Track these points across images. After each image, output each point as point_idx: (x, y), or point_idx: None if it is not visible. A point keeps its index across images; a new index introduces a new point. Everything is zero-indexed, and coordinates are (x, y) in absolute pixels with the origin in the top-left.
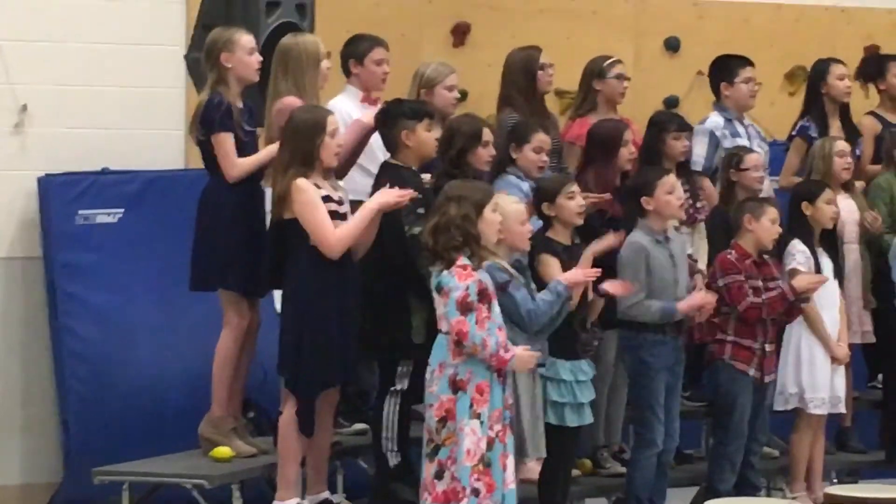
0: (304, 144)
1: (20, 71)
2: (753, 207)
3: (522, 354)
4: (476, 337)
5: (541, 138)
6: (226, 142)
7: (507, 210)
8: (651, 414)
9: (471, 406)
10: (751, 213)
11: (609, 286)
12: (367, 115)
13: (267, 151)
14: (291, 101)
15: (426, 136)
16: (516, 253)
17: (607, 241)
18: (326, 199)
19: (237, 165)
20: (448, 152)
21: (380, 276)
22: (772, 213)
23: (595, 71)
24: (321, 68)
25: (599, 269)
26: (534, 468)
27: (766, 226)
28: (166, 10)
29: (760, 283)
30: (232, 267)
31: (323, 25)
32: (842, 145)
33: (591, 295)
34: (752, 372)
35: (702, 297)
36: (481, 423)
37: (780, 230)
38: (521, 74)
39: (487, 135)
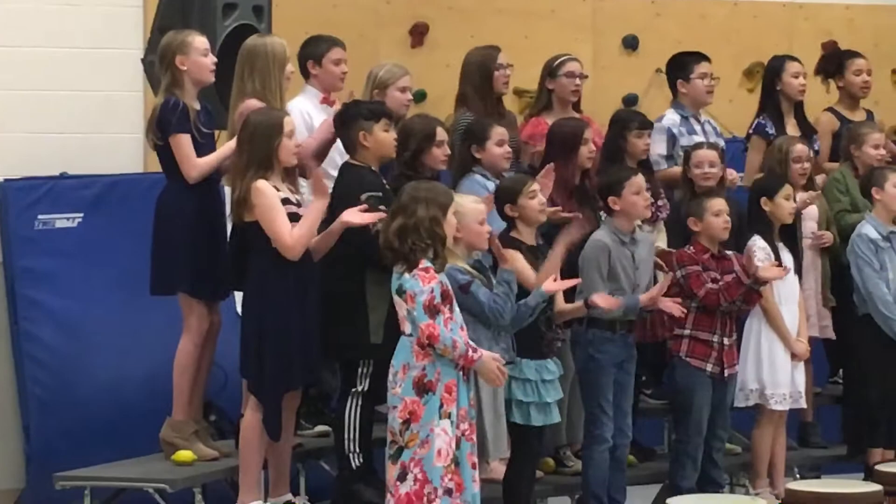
0: (261, 147)
1: None
2: (695, 207)
3: (487, 360)
4: (447, 339)
5: (500, 131)
6: (183, 142)
7: (466, 209)
8: (599, 410)
9: (441, 406)
10: (693, 214)
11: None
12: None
13: (225, 148)
14: (253, 104)
15: (384, 137)
16: (476, 253)
17: (573, 231)
18: (285, 201)
19: (196, 166)
20: (403, 154)
21: (338, 276)
22: (714, 205)
23: (548, 70)
24: (286, 71)
25: (579, 280)
26: (497, 468)
27: (711, 221)
28: (123, 13)
29: (719, 276)
30: (191, 271)
31: (280, 27)
32: (799, 149)
33: (557, 298)
34: (709, 368)
35: (661, 288)
36: (451, 422)
37: (727, 220)
38: (478, 74)
39: (441, 134)
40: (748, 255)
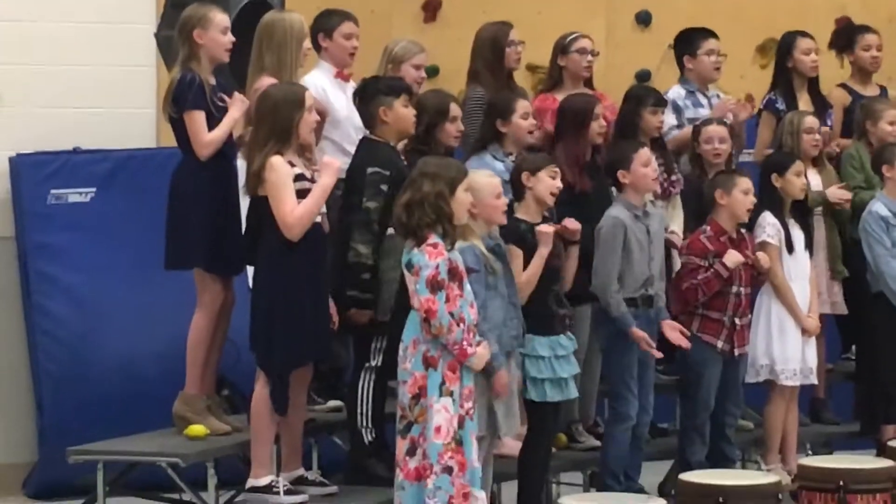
0: (282, 121)
1: None
2: (723, 181)
3: (484, 353)
4: (444, 318)
5: (524, 104)
6: (197, 119)
7: (481, 183)
8: (624, 388)
9: (442, 383)
10: (721, 187)
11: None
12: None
13: (229, 119)
14: (269, 81)
15: (404, 112)
16: (493, 230)
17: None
18: (300, 177)
19: (207, 143)
20: (416, 128)
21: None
22: (743, 183)
23: (559, 46)
24: (303, 47)
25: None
26: (513, 445)
27: (738, 198)
28: None
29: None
30: (205, 246)
31: (294, 2)
32: (810, 121)
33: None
34: (720, 345)
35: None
36: (453, 400)
37: (753, 200)
38: (489, 50)
39: (455, 110)
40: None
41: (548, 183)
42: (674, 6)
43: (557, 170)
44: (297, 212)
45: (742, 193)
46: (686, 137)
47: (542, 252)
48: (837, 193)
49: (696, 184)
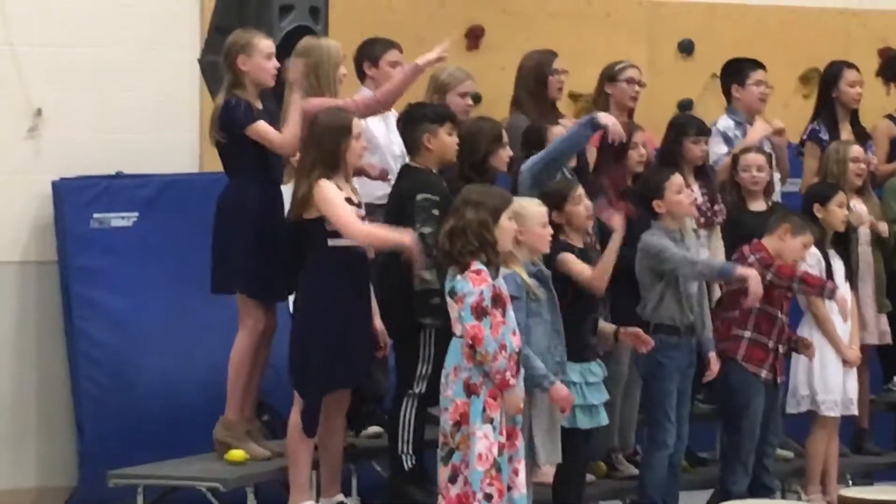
0: (330, 147)
1: (34, 75)
2: (796, 225)
3: (515, 396)
4: (490, 345)
5: (558, 131)
6: (262, 129)
7: (530, 212)
8: (663, 415)
9: (484, 410)
10: (789, 229)
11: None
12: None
13: (295, 107)
14: (315, 102)
15: (448, 140)
16: (536, 257)
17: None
18: (347, 201)
19: (285, 143)
20: (473, 155)
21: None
22: (808, 237)
23: (607, 74)
24: (339, 73)
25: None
26: (548, 471)
27: (795, 245)
28: (180, 13)
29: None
30: (251, 271)
31: (336, 29)
32: (856, 150)
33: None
34: (764, 374)
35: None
36: (493, 427)
37: (805, 255)
38: (532, 78)
39: (505, 135)
40: None
41: (578, 211)
42: (716, 35)
43: (581, 191)
44: (367, 228)
45: (802, 245)
46: (728, 166)
47: (617, 238)
48: (881, 227)
49: (735, 211)
